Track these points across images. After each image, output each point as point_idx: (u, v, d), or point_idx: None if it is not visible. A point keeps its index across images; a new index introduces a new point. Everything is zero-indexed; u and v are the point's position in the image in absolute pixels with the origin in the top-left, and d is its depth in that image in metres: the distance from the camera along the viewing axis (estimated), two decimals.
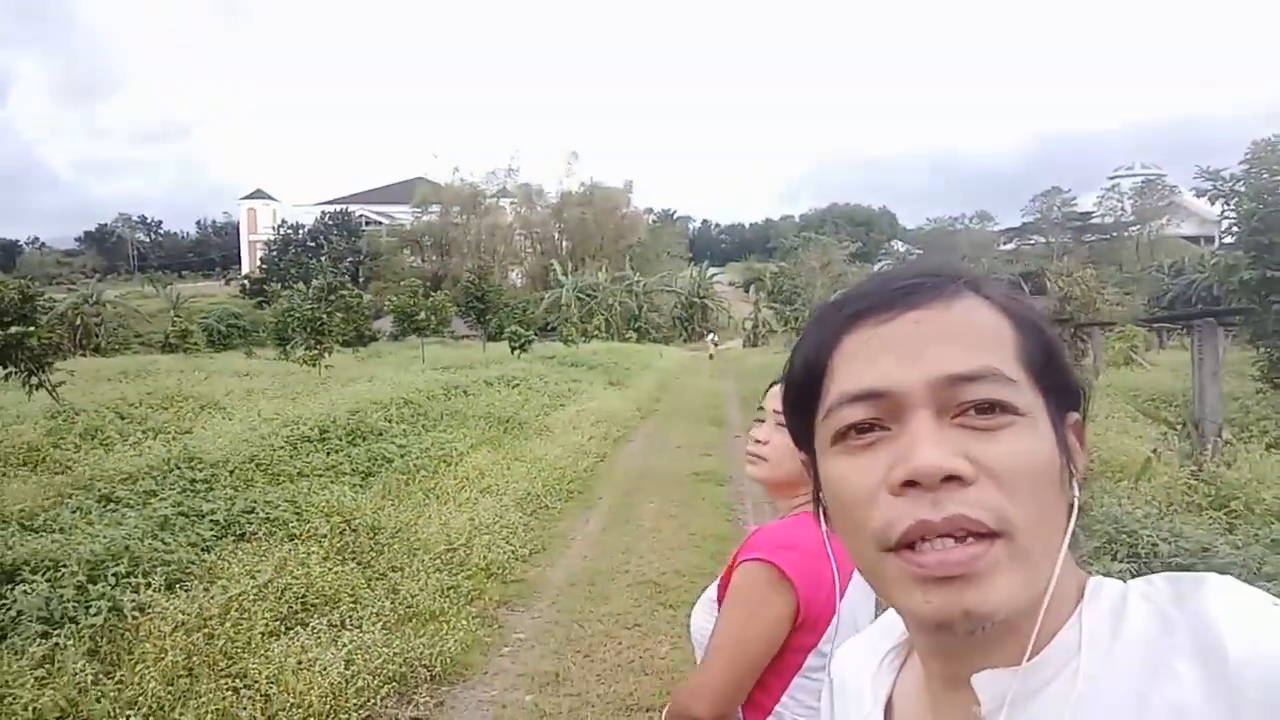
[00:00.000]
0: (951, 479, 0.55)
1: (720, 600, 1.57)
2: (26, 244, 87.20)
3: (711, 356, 36.98)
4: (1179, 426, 8.00)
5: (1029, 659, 0.57)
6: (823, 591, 1.50)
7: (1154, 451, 6.58)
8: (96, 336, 36.51)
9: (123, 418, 9.58)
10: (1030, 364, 0.59)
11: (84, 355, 27.26)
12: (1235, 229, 10.52)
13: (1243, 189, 10.33)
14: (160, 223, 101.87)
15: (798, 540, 1.52)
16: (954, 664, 0.61)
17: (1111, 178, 58.07)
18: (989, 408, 0.57)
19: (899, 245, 75.79)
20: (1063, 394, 0.61)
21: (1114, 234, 53.50)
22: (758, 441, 1.68)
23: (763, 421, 1.68)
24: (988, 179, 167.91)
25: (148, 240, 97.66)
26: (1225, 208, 10.73)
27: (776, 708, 1.50)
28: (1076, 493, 0.60)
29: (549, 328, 40.05)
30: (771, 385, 1.69)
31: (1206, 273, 21.01)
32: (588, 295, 48.84)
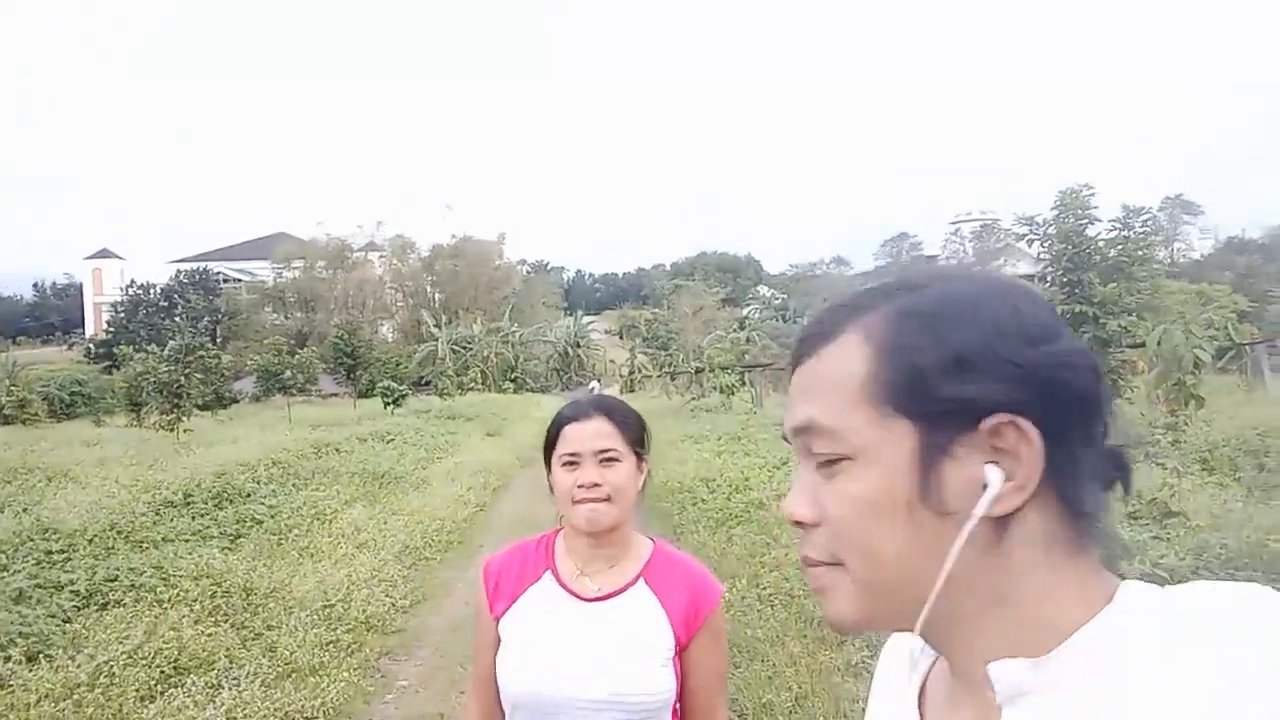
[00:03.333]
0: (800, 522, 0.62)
1: (691, 649, 1.54)
2: None
3: None
4: None
5: (1045, 653, 0.57)
6: None
7: None
8: None
9: None
10: (888, 395, 0.59)
11: None
12: (1049, 268, 11.66)
13: (1053, 232, 11.54)
14: None
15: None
16: (964, 656, 0.62)
17: (953, 223, 62.97)
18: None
19: (764, 290, 79.10)
20: (961, 407, 0.57)
21: None
22: (587, 487, 1.53)
23: (576, 465, 1.55)
24: (843, 223, 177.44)
25: None
26: (1040, 249, 11.92)
27: None
28: (979, 508, 0.56)
29: (423, 382, 39.35)
30: (562, 428, 1.59)
31: None
32: (463, 348, 48.30)
